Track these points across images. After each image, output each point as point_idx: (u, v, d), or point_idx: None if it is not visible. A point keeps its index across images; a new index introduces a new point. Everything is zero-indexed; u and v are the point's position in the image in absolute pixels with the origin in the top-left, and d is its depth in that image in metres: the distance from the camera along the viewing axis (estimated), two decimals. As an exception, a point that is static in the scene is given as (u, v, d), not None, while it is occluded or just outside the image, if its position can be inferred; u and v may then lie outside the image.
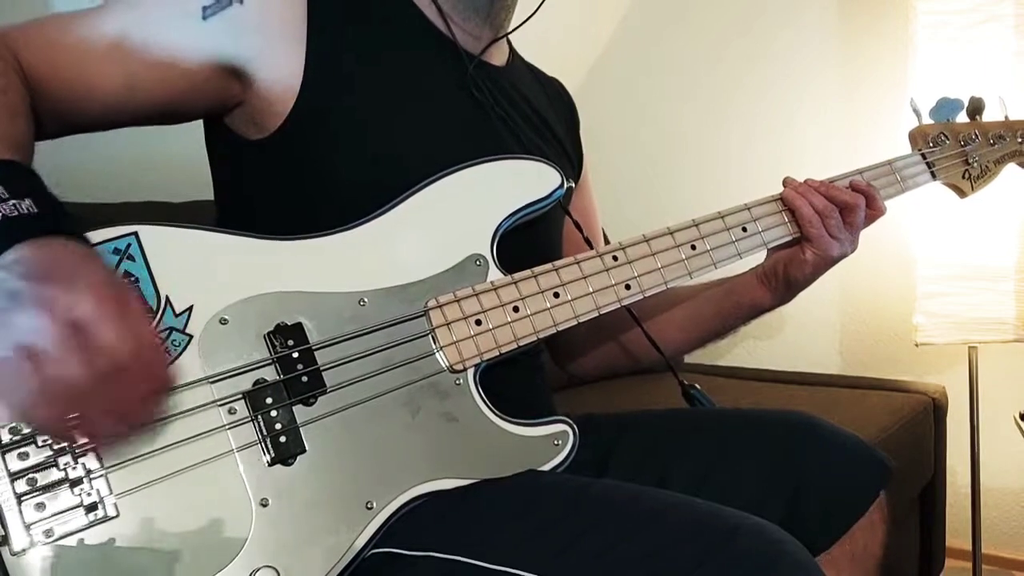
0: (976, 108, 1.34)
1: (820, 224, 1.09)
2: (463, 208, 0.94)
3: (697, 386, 1.17)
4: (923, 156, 1.27)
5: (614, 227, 2.32)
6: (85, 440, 0.71)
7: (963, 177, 1.32)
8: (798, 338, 2.45)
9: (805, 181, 1.12)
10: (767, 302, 1.16)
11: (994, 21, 1.86)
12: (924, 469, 1.91)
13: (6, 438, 0.71)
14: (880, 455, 1.06)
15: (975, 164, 1.32)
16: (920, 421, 1.86)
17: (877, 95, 2.25)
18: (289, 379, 0.81)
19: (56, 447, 0.72)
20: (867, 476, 1.04)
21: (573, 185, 1.03)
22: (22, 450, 0.71)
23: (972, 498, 2.00)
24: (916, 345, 1.93)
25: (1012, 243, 1.85)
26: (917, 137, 1.30)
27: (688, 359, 2.34)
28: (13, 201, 0.69)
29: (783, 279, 1.13)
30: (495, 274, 0.92)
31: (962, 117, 1.34)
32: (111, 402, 0.67)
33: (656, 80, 2.65)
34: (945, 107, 1.32)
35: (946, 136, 1.30)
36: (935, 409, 1.93)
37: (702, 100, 2.57)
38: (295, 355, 0.81)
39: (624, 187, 2.57)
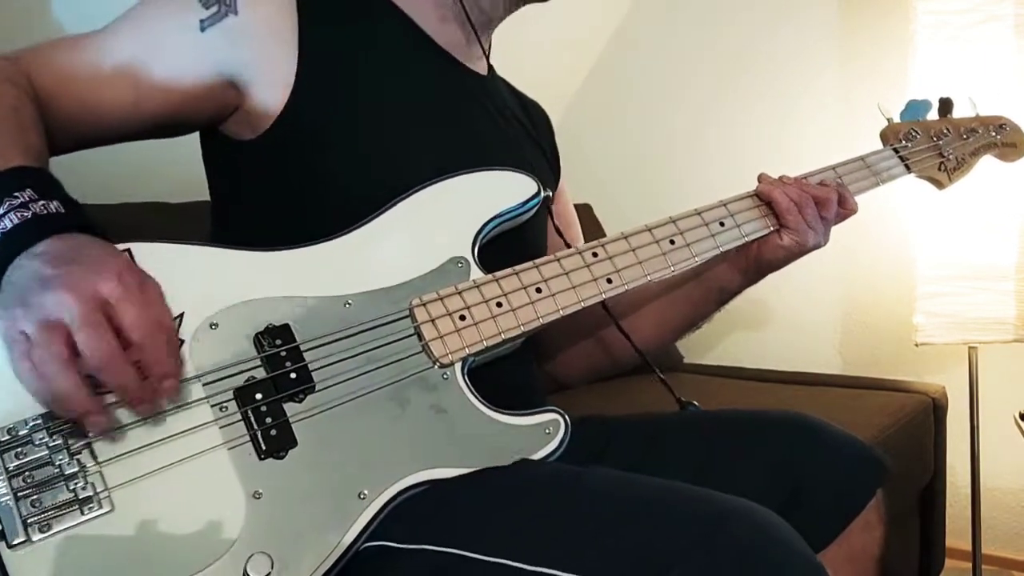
0: (945, 107, 1.37)
1: (798, 212, 1.11)
2: (444, 215, 0.96)
3: (695, 403, 1.16)
4: (895, 151, 1.30)
5: (616, 227, 2.33)
6: (100, 419, 0.72)
7: (939, 169, 1.34)
8: (798, 338, 2.45)
9: (780, 177, 1.16)
10: (736, 284, 1.17)
11: (994, 21, 1.87)
12: (924, 469, 1.91)
13: (3, 437, 0.72)
14: (877, 454, 1.06)
15: (951, 157, 1.34)
16: (920, 421, 1.86)
17: (877, 95, 2.21)
18: (277, 376, 0.82)
19: (52, 444, 0.73)
20: (863, 475, 1.04)
21: (550, 194, 1.05)
22: (19, 449, 0.72)
23: (972, 498, 2.00)
24: (916, 345, 1.93)
25: (1012, 243, 1.86)
26: (888, 135, 1.33)
27: (688, 359, 2.34)
28: (43, 201, 0.75)
29: (755, 261, 1.14)
30: (477, 274, 0.94)
31: (933, 116, 1.36)
32: (129, 378, 0.71)
33: (654, 79, 2.66)
34: (913, 108, 1.35)
35: (916, 132, 1.33)
36: (935, 409, 1.93)
37: (701, 100, 2.58)
38: (283, 353, 0.83)
39: (622, 188, 2.58)
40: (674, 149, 2.63)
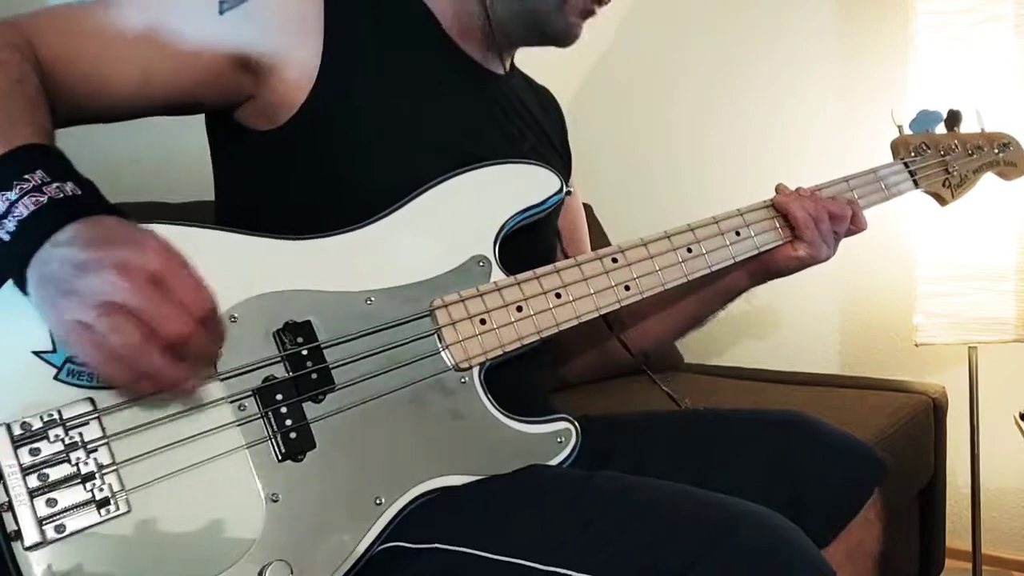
0: (954, 120, 1.39)
1: (814, 227, 1.13)
2: (467, 210, 0.95)
3: (688, 400, 1.19)
4: (906, 165, 1.32)
5: (613, 230, 2.33)
6: (185, 387, 0.72)
7: (944, 185, 1.37)
8: (798, 338, 2.45)
9: (796, 189, 1.17)
10: (743, 285, 1.19)
11: (994, 21, 1.86)
12: (924, 469, 1.91)
13: (17, 432, 0.70)
14: (876, 453, 1.07)
15: (955, 173, 1.37)
16: (920, 421, 1.86)
17: (877, 95, 2.25)
18: (299, 376, 0.81)
19: (68, 441, 0.71)
20: (863, 474, 1.05)
21: (572, 189, 1.05)
22: (34, 445, 0.71)
23: (972, 498, 2.00)
24: (916, 345, 1.93)
25: (1012, 243, 1.86)
26: (899, 147, 1.35)
27: (688, 359, 2.34)
28: (56, 184, 0.71)
29: (765, 266, 1.16)
30: (498, 275, 0.94)
31: (941, 128, 1.39)
32: (212, 344, 0.72)
33: (654, 83, 2.66)
34: (924, 119, 1.37)
35: (927, 146, 1.35)
36: (935, 409, 1.93)
37: (701, 100, 2.58)
38: (304, 352, 0.82)
39: (622, 190, 2.58)
40: (674, 149, 2.63)
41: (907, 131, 1.36)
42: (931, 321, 1.91)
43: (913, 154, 1.33)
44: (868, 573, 1.06)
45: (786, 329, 2.47)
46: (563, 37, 1.10)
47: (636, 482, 0.84)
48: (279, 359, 0.81)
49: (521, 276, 0.95)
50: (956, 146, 1.38)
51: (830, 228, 1.15)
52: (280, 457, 0.79)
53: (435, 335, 0.89)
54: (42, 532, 0.70)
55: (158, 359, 0.67)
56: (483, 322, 0.91)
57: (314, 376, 0.82)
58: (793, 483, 1.00)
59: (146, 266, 0.67)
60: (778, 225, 1.15)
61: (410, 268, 0.90)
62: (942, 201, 1.39)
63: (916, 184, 1.32)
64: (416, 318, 0.89)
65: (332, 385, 0.82)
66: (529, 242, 1.02)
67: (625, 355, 1.20)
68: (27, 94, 0.79)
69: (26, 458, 0.71)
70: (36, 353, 0.72)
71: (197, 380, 0.74)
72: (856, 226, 1.19)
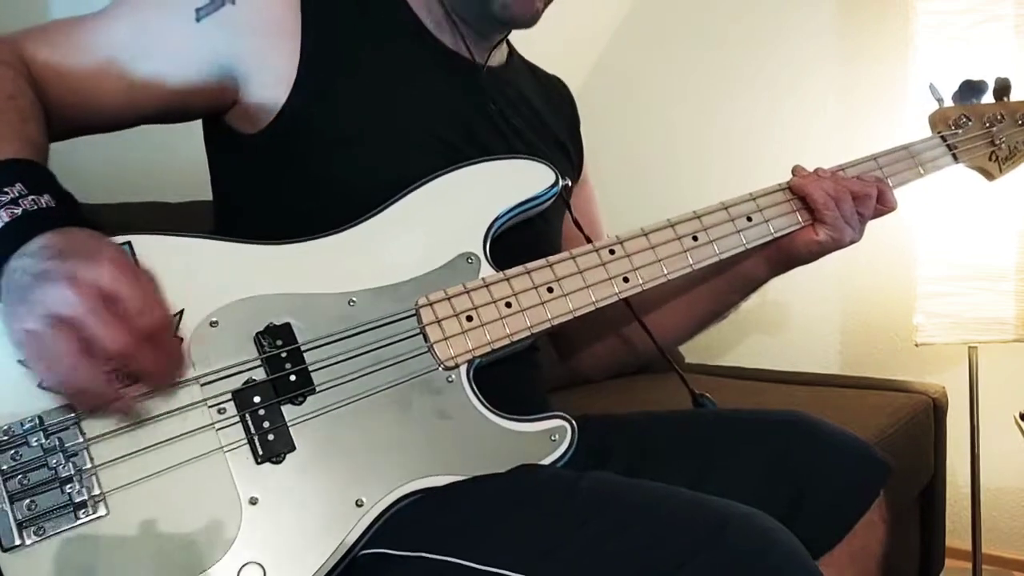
0: (1003, 88, 1.30)
1: (835, 207, 1.07)
2: (455, 207, 0.94)
3: (707, 395, 1.15)
4: (943, 139, 1.24)
5: (615, 226, 2.32)
6: (124, 405, 0.74)
7: (990, 159, 1.28)
8: (798, 338, 2.45)
9: (815, 170, 1.12)
10: (762, 274, 1.14)
11: (994, 21, 1.86)
12: (924, 469, 1.91)
13: (0, 439, 0.72)
14: (880, 455, 1.05)
15: (1002, 145, 1.27)
16: (920, 421, 1.85)
17: (876, 95, 2.25)
18: (276, 378, 0.81)
19: (48, 446, 0.72)
20: (867, 476, 1.03)
21: (569, 183, 1.03)
22: (15, 450, 0.72)
23: (972, 498, 2.00)
24: (916, 345, 1.93)
25: (1012, 243, 1.85)
26: (937, 121, 1.27)
27: (689, 359, 2.34)
28: (32, 196, 0.74)
29: (785, 253, 1.11)
30: (487, 271, 0.92)
31: (988, 99, 1.29)
32: (152, 361, 0.72)
33: (657, 78, 2.66)
34: (968, 90, 1.28)
35: (968, 118, 1.26)
36: (935, 409, 1.92)
37: (701, 99, 2.58)
38: (283, 355, 0.82)
39: (624, 185, 2.57)
40: (674, 148, 2.63)
41: (948, 104, 1.27)
42: (931, 321, 1.90)
43: (953, 127, 1.25)
44: (871, 575, 1.05)
45: (786, 329, 2.46)
46: (520, 16, 1.04)
47: (625, 484, 0.83)
48: (258, 362, 0.81)
49: (510, 271, 0.93)
50: (1002, 116, 1.26)
51: (853, 209, 1.08)
52: (258, 459, 0.78)
53: (420, 334, 0.88)
54: (21, 535, 0.70)
55: (88, 378, 0.69)
56: (469, 319, 0.89)
57: (292, 378, 0.81)
58: (794, 483, 0.98)
59: (97, 280, 0.69)
60: (795, 208, 1.09)
61: (396, 267, 0.89)
62: (989, 176, 1.29)
63: (956, 158, 1.23)
64: (400, 317, 0.87)
65: (312, 387, 0.82)
66: (529, 239, 1.01)
67: (648, 346, 1.16)
68: (20, 109, 0.81)
69: (6, 462, 0.72)
70: (21, 362, 0.73)
71: (141, 396, 0.75)
72: (884, 205, 1.12)
